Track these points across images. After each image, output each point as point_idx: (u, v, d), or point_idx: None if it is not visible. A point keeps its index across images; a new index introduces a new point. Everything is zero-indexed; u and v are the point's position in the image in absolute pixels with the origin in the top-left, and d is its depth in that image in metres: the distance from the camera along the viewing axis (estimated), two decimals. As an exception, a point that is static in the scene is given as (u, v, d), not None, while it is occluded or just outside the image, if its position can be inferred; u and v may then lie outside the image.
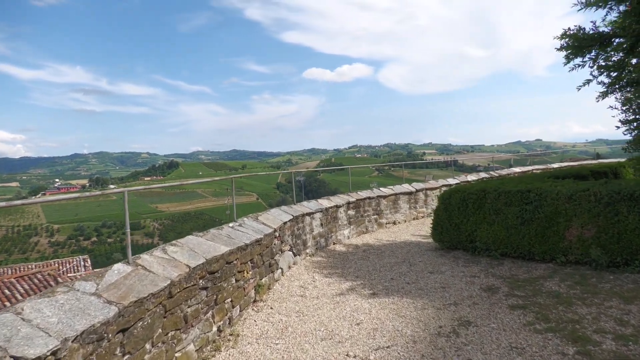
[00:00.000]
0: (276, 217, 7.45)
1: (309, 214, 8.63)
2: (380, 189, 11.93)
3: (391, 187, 12.29)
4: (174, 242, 4.81)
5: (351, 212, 10.36)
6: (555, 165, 16.85)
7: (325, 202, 9.60)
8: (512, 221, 7.05)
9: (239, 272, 5.33)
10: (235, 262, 5.21)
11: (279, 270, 7.00)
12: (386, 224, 11.53)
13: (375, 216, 11.21)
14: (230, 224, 6.25)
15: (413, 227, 11.49)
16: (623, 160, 12.32)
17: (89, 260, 22.00)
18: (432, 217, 8.71)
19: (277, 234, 6.99)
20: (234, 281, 5.18)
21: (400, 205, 11.96)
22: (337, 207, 9.81)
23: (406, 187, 12.41)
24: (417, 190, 12.47)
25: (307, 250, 8.50)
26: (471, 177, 14.11)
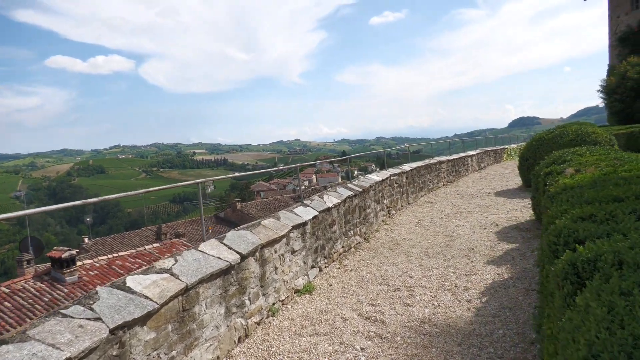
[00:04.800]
0: None
1: None
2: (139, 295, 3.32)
3: (171, 259, 3.83)
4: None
5: None
6: (407, 168, 11.75)
7: None
8: None
9: None
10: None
11: None
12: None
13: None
14: None
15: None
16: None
17: None
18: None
19: None
20: None
21: (201, 319, 3.70)
22: None
23: (214, 256, 4.18)
24: (244, 257, 4.43)
25: None
26: (331, 201, 7.03)
